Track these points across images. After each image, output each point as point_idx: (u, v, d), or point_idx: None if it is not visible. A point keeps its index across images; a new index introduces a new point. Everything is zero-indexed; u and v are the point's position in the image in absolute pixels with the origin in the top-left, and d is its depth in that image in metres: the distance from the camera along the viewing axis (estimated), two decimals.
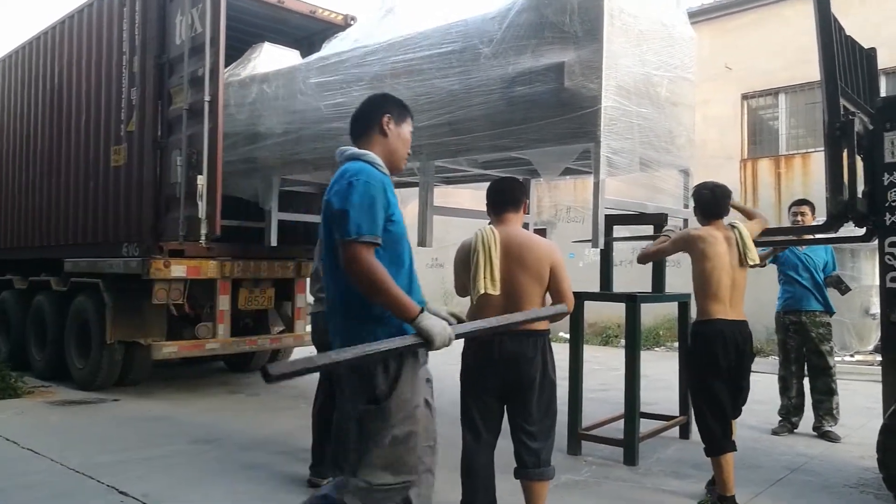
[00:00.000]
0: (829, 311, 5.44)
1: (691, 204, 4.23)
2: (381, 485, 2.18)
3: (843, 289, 5.38)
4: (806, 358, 5.47)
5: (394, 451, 2.19)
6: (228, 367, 8.71)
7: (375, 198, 2.20)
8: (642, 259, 4.17)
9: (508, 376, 3.16)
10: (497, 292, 3.13)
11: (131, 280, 6.56)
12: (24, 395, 6.78)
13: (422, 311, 2.18)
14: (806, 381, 5.53)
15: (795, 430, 5.48)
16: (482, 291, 3.13)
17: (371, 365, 2.16)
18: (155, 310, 6.66)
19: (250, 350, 7.60)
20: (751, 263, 3.74)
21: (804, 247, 5.36)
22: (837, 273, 5.50)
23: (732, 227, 3.83)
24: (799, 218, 5.40)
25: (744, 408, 3.87)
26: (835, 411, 5.35)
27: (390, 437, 2.17)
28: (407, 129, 2.54)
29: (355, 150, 2.40)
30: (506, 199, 3.34)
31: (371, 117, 2.48)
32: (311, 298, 4.35)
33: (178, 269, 6.40)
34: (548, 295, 3.24)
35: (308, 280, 7.79)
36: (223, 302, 6.81)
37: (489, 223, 3.36)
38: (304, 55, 7.23)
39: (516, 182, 3.51)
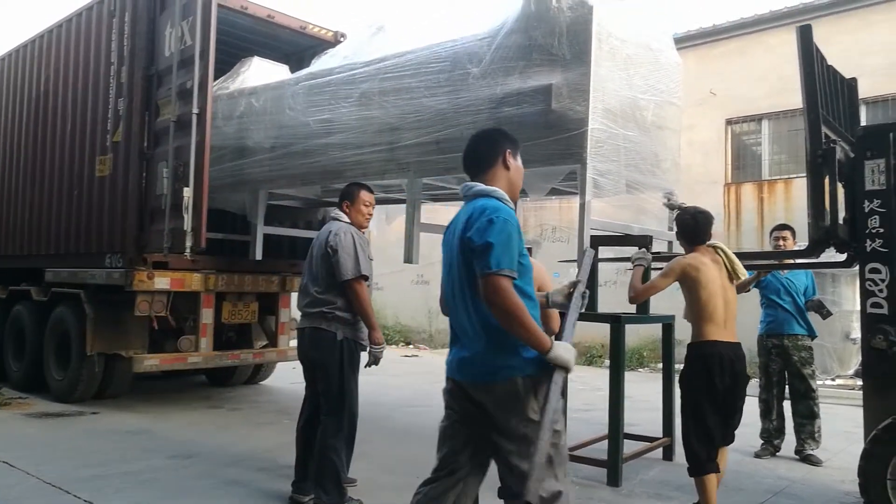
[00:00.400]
0: (811, 334, 5.49)
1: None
2: (554, 493, 2.34)
3: (824, 313, 5.43)
4: (788, 381, 5.52)
5: (551, 467, 2.36)
6: (210, 381, 8.62)
7: (512, 234, 2.36)
8: (634, 299, 4.06)
9: None
10: None
11: (113, 291, 6.50)
12: (0, 407, 6.66)
13: (552, 342, 2.35)
14: (787, 404, 5.56)
15: (778, 454, 5.50)
16: None
17: (526, 396, 2.36)
18: (137, 322, 6.60)
19: (233, 364, 7.54)
20: (740, 276, 3.82)
21: (786, 271, 5.42)
22: (818, 298, 5.56)
23: (714, 247, 3.87)
24: (780, 242, 5.48)
25: None
26: (817, 435, 5.39)
27: (547, 454, 2.32)
28: (520, 160, 2.68)
29: (483, 186, 2.52)
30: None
31: (493, 153, 2.59)
32: (297, 313, 4.33)
33: (162, 281, 6.36)
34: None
35: (296, 295, 7.81)
36: (206, 315, 6.77)
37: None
38: (293, 70, 7.26)
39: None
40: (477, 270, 2.34)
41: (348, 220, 4.07)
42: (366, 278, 3.92)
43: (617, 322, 4.71)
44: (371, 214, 4.22)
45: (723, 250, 3.84)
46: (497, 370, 2.37)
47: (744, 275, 3.84)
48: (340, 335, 3.87)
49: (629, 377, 5.38)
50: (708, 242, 3.89)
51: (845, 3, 10.51)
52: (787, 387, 5.55)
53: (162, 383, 8.37)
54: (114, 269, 6.52)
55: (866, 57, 9.72)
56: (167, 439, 5.63)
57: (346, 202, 4.12)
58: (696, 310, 3.74)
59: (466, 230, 2.40)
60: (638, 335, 11.56)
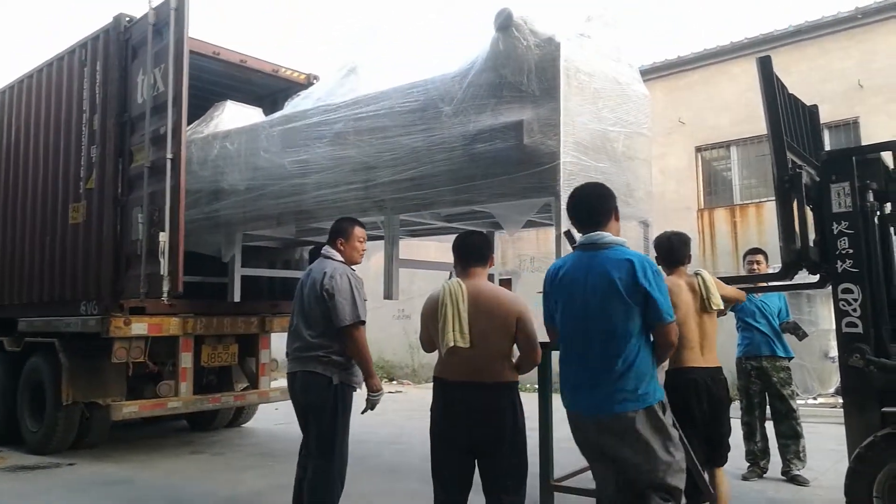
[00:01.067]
0: (788, 355, 5.57)
1: (652, 253, 4.31)
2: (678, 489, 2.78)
3: (800, 334, 5.51)
4: (769, 402, 5.57)
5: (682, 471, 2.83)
6: (191, 425, 8.47)
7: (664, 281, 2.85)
8: None
9: (476, 430, 3.15)
10: (467, 345, 3.15)
11: (89, 339, 6.41)
12: None
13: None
14: (769, 425, 5.60)
15: (765, 475, 5.52)
16: (451, 344, 3.14)
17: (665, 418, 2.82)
18: (114, 368, 6.49)
19: (214, 408, 7.43)
20: (714, 308, 3.81)
21: (759, 294, 5.49)
22: (793, 320, 5.64)
23: (696, 274, 3.91)
24: (754, 266, 5.58)
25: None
26: (802, 454, 5.42)
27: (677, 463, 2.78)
28: None
29: (613, 236, 2.90)
30: (473, 254, 3.39)
31: (609, 208, 2.98)
32: (278, 354, 4.28)
33: (139, 327, 6.29)
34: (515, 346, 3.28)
35: (280, 335, 7.73)
36: (185, 359, 6.68)
37: (451, 276, 3.40)
38: (266, 113, 7.32)
39: (483, 237, 3.55)
40: (654, 317, 2.74)
41: (341, 259, 3.96)
42: (363, 323, 3.82)
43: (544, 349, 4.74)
44: (365, 249, 4.18)
45: (703, 277, 3.87)
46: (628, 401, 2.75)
47: (717, 306, 3.83)
48: (336, 380, 3.78)
49: None
50: (694, 270, 3.93)
51: (802, 33, 10.88)
52: (768, 408, 5.60)
53: (141, 430, 8.22)
54: (89, 317, 6.43)
55: (825, 83, 10.04)
56: (150, 488, 5.51)
57: (341, 239, 4.01)
58: None
59: (632, 276, 2.72)
60: None
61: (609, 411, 2.73)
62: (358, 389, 3.92)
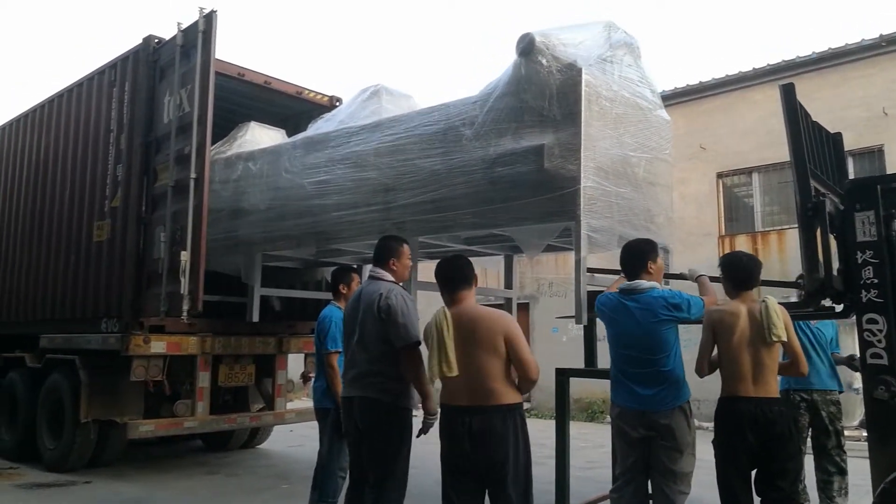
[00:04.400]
0: (840, 389, 5.22)
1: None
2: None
3: (856, 365, 4.98)
4: (813, 436, 5.28)
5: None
6: (206, 445, 8.48)
7: None
8: (702, 373, 3.79)
9: (478, 454, 3.11)
10: (454, 374, 3.12)
11: (108, 356, 6.45)
12: None
13: None
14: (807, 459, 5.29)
15: None
16: (437, 377, 3.15)
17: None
18: (132, 387, 6.52)
19: (229, 428, 7.43)
20: (774, 339, 3.49)
21: (815, 322, 5.10)
22: (843, 355, 5.24)
23: (763, 301, 3.61)
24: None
25: None
26: (844, 490, 5.11)
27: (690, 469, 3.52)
28: (660, 261, 3.89)
29: (648, 283, 3.66)
30: (455, 278, 3.37)
31: (647, 260, 3.72)
32: (294, 375, 4.23)
33: (158, 346, 6.32)
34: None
35: (293, 356, 7.71)
36: (203, 379, 6.69)
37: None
38: (289, 134, 7.39)
39: (463, 260, 3.49)
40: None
41: (392, 279, 3.86)
42: (419, 343, 3.65)
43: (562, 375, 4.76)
44: (411, 265, 4.19)
45: (766, 306, 3.55)
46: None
47: (777, 338, 3.49)
48: (394, 404, 3.66)
49: None
50: (762, 298, 3.67)
51: (825, 60, 10.83)
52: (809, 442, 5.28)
53: (156, 449, 8.23)
54: (109, 334, 6.48)
55: (847, 110, 9.97)
56: None
57: (393, 259, 3.89)
58: (719, 361, 3.65)
59: (672, 309, 3.55)
60: None
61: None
62: (416, 413, 3.78)
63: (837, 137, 4.90)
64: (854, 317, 4.04)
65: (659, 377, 3.54)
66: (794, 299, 5.08)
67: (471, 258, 3.63)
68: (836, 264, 4.07)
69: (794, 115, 4.02)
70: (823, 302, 4.20)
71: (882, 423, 3.74)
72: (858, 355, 5.08)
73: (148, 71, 6.65)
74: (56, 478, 6.56)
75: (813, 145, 4.23)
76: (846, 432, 8.53)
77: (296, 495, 5.56)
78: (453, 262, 3.46)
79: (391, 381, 3.66)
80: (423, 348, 3.46)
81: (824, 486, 5.12)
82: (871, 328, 3.79)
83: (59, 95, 7.93)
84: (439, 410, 3.74)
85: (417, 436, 3.75)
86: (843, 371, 5.88)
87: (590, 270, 4.64)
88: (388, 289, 3.72)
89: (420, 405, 3.80)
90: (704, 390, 4.38)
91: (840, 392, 5.22)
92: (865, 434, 9.31)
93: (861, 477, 5.35)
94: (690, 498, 3.51)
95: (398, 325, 3.59)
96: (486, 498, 3.25)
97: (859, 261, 3.87)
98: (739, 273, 3.76)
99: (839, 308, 4.25)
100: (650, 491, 3.63)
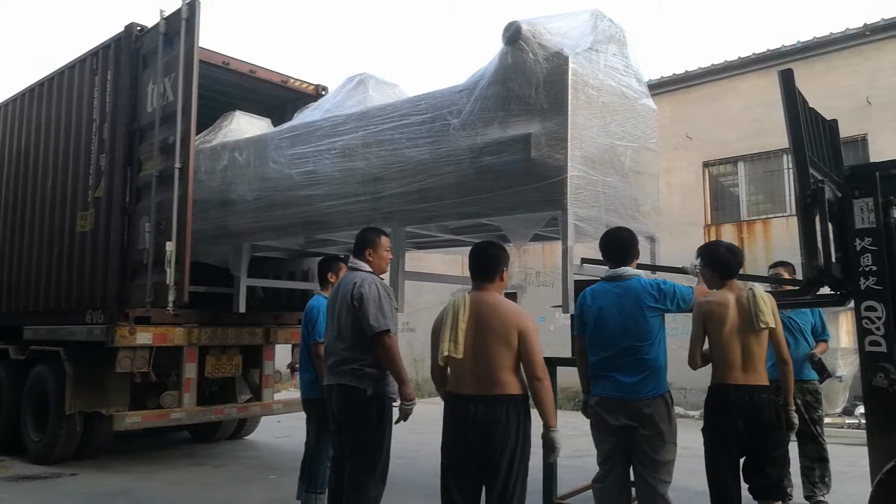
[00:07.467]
0: (816, 377, 5.20)
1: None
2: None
3: (823, 376, 5.16)
4: None
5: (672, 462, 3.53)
6: (193, 437, 8.44)
7: None
8: (694, 365, 3.77)
9: (479, 444, 3.13)
10: (459, 355, 3.14)
11: (94, 348, 6.39)
12: None
13: None
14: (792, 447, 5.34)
15: (790, 501, 5.26)
16: (444, 354, 3.15)
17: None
18: (118, 378, 6.47)
19: (217, 419, 7.39)
20: (762, 326, 3.52)
21: (788, 310, 5.08)
22: (820, 358, 5.21)
23: (750, 289, 3.65)
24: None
25: None
26: (827, 479, 5.16)
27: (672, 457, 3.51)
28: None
29: (634, 270, 3.68)
30: (480, 270, 3.37)
31: (634, 249, 3.75)
32: (281, 366, 4.23)
33: (144, 337, 6.26)
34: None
35: (280, 347, 7.69)
36: (190, 370, 6.66)
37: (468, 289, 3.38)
38: (275, 123, 7.34)
39: (493, 254, 3.42)
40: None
41: (369, 269, 3.92)
42: (389, 331, 3.73)
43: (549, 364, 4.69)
44: (391, 258, 4.18)
45: (753, 294, 3.59)
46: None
47: (765, 325, 3.52)
48: (370, 391, 3.71)
49: None
50: (749, 286, 3.71)
51: (810, 49, 10.86)
52: None
53: (143, 441, 8.18)
54: (95, 325, 6.43)
55: (832, 100, 9.99)
56: (151, 500, 5.48)
57: (369, 249, 3.97)
58: (710, 351, 3.66)
59: (659, 299, 3.54)
60: None
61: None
62: (396, 400, 3.82)
63: (833, 124, 4.83)
64: (847, 304, 4.03)
65: (642, 364, 3.49)
66: (768, 289, 5.06)
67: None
68: (833, 252, 4.04)
69: (793, 101, 3.97)
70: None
71: (881, 411, 3.69)
72: (818, 356, 5.17)
73: (130, 59, 6.55)
74: (42, 470, 6.51)
75: (811, 132, 4.18)
76: (828, 419, 8.68)
77: (283, 486, 5.55)
78: (488, 252, 3.42)
79: (366, 367, 3.72)
80: (413, 338, 3.45)
81: (807, 472, 5.18)
82: (870, 315, 3.76)
83: (40, 84, 7.80)
84: (416, 399, 3.82)
85: (396, 422, 3.79)
86: (827, 358, 5.89)
87: (584, 261, 4.64)
88: (362, 278, 3.81)
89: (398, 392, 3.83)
90: (690, 379, 4.40)
91: (818, 381, 5.22)
92: (848, 421, 9.45)
93: (844, 464, 5.41)
94: (672, 486, 3.52)
95: (368, 314, 3.68)
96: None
97: (858, 248, 3.84)
98: (720, 266, 3.72)
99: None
100: (633, 479, 3.64)
